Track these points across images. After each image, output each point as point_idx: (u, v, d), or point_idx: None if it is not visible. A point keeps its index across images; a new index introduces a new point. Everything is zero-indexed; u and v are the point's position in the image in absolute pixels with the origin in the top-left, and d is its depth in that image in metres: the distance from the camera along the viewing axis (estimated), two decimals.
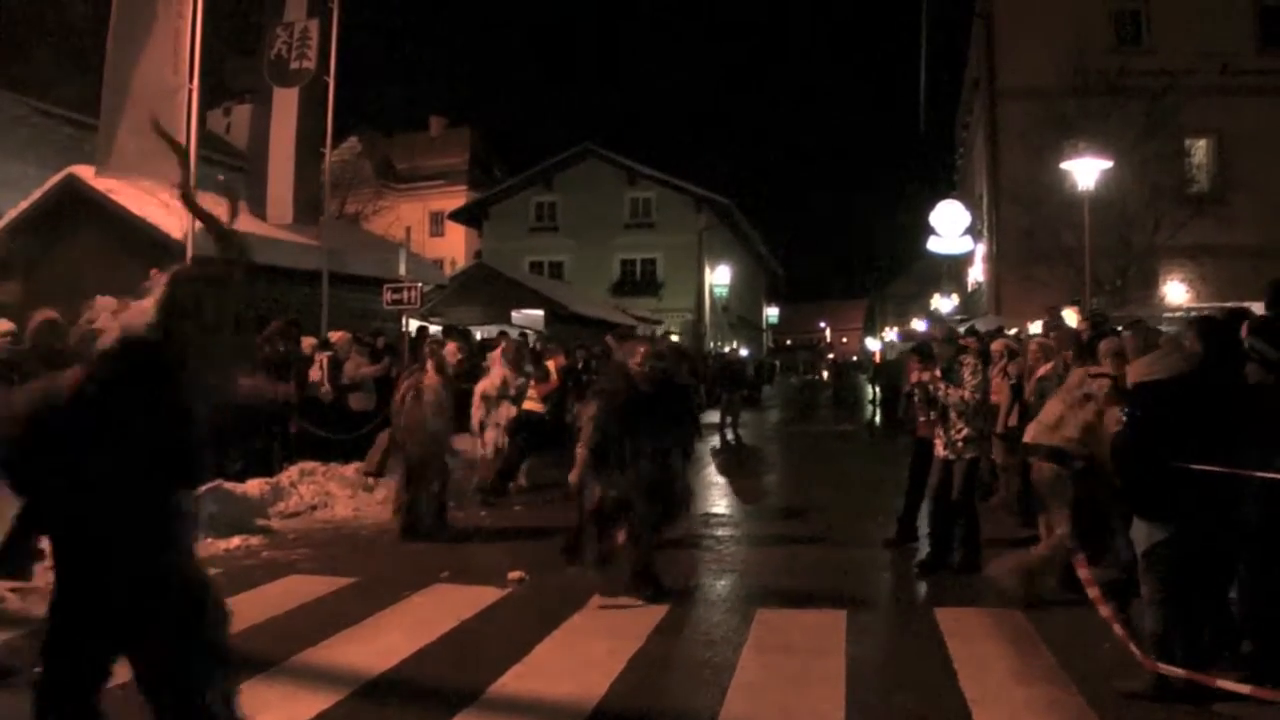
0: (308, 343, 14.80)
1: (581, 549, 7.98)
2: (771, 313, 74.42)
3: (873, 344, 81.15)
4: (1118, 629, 5.66)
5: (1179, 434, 5.32)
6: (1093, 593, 5.98)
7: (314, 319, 15.51)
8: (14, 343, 10.24)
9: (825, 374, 65.98)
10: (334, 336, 14.47)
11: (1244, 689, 4.95)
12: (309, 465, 12.47)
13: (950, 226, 30.99)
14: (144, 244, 14.91)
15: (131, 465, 3.37)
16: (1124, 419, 5.93)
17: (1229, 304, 8.54)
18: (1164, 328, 13.20)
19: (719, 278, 48.19)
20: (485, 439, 12.98)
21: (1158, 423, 5.49)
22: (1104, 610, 5.79)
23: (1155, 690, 5.32)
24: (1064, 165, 21.12)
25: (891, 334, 73.76)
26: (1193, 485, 5.14)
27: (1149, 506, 5.49)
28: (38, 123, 24.64)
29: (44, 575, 8.12)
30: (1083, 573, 6.16)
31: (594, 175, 46.15)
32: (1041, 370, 10.30)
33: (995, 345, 11.97)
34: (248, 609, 7.17)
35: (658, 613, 7.09)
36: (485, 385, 13.06)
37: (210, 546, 9.51)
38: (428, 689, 5.59)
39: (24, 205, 16.32)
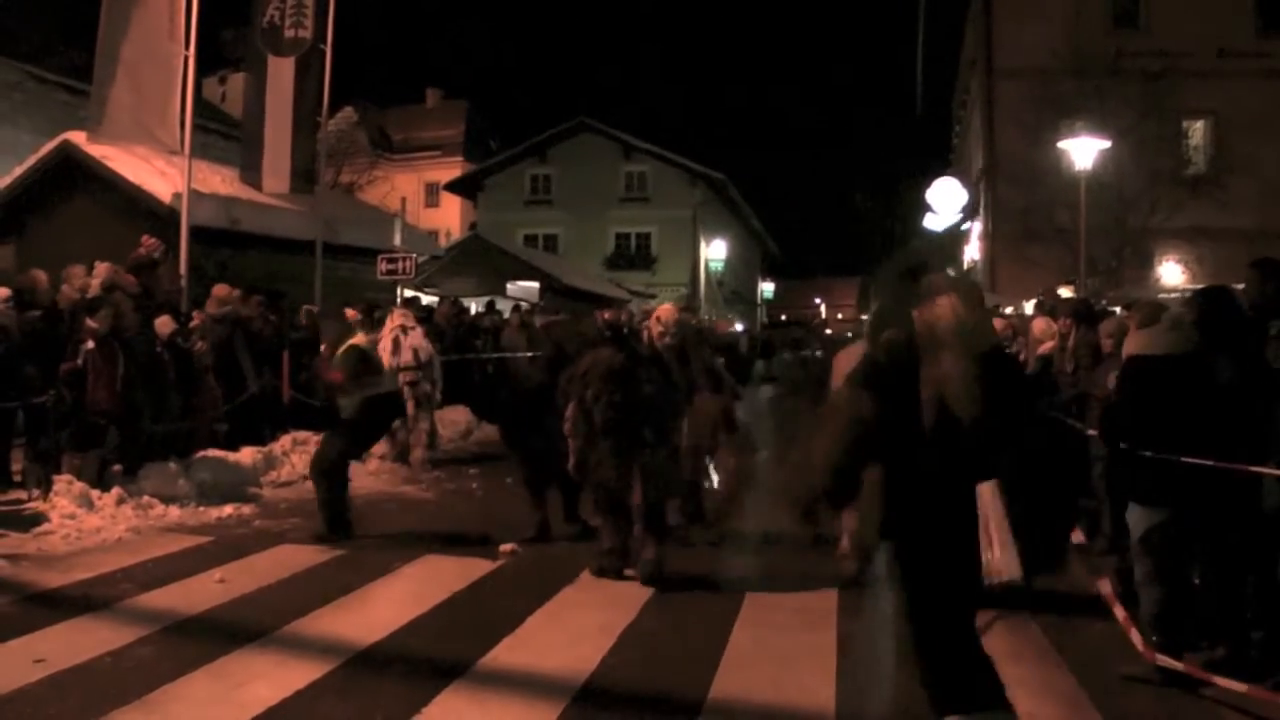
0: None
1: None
2: (767, 288, 74.04)
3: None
4: (1120, 614, 5.61)
5: (1171, 416, 5.23)
6: (1104, 589, 5.89)
7: (307, 289, 15.43)
8: (12, 308, 10.23)
9: (819, 351, 65.03)
10: (348, 314, 14.40)
11: (1240, 688, 4.92)
12: (301, 435, 12.42)
13: (947, 204, 30.95)
14: (138, 210, 14.87)
15: None
16: (1115, 393, 5.84)
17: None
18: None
19: (714, 252, 47.93)
20: None
21: (1149, 403, 5.37)
22: (1120, 613, 5.61)
23: (1158, 676, 5.23)
24: (1060, 145, 21.12)
25: None
26: (1193, 472, 5.05)
27: (1140, 490, 5.43)
28: (32, 88, 24.54)
29: (34, 543, 8.12)
30: (1104, 587, 5.99)
31: (589, 149, 45.90)
32: (1043, 348, 10.25)
33: (999, 324, 11.92)
34: (238, 578, 7.21)
35: (650, 588, 7.09)
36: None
37: (201, 514, 9.53)
38: (418, 660, 5.60)
39: (18, 171, 16.24)
